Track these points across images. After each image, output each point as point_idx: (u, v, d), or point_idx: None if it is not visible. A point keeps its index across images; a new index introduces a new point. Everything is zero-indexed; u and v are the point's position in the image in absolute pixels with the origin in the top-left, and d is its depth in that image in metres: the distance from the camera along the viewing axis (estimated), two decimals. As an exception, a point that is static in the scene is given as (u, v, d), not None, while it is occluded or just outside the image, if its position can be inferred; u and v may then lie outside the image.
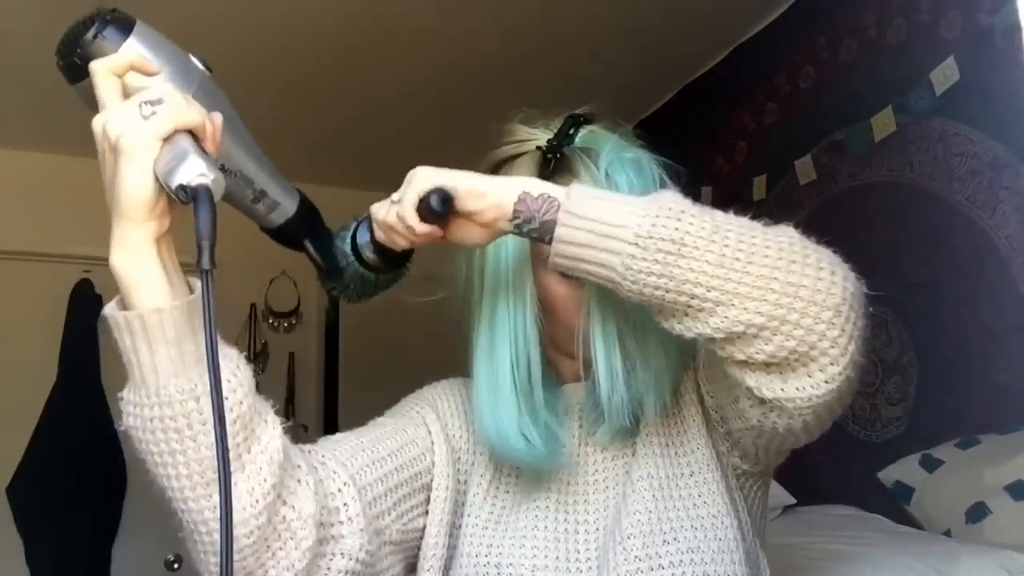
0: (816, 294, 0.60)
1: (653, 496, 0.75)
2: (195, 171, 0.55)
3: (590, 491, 0.79)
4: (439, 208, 0.66)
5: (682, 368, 0.80)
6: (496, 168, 0.82)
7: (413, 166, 0.71)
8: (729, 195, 2.68)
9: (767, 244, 0.62)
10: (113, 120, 0.55)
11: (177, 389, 0.57)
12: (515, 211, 0.66)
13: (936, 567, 1.30)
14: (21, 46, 2.53)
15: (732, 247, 0.61)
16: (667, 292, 0.61)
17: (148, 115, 0.55)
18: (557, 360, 0.84)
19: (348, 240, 0.75)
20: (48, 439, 3.08)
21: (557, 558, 0.76)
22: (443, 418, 0.85)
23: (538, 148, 0.79)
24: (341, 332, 3.57)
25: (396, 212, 0.69)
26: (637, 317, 0.74)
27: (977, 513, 1.54)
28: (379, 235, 0.72)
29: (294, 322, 3.56)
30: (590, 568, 0.75)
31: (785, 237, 0.63)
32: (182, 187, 0.55)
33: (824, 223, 2.32)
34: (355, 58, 2.68)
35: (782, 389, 0.63)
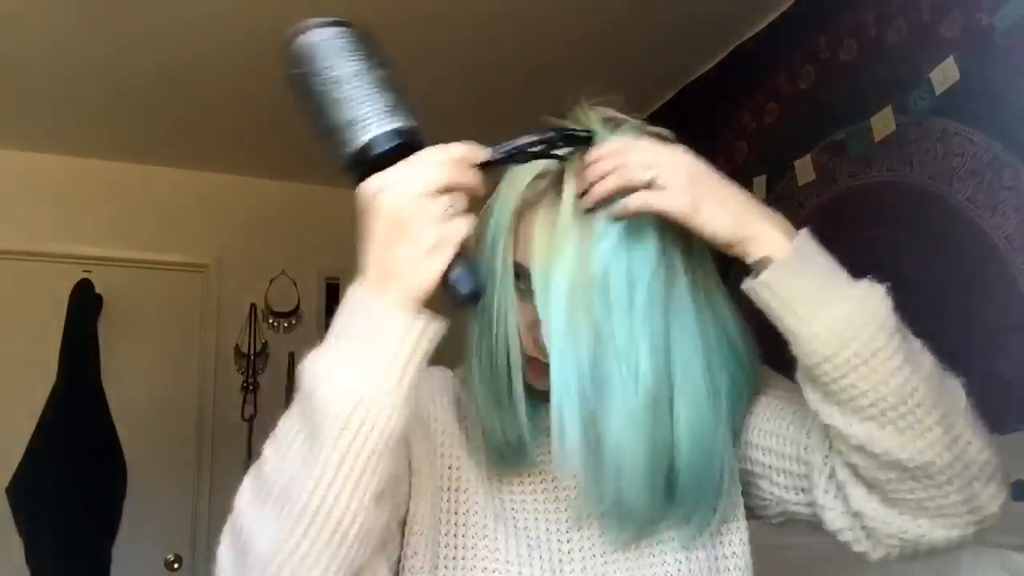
0: (971, 463, 0.62)
1: None
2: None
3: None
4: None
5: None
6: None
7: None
8: (729, 195, 2.68)
9: (942, 398, 0.62)
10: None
11: None
12: None
13: (936, 567, 1.30)
14: (22, 46, 2.53)
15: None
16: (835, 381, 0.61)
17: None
18: None
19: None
20: (48, 439, 3.08)
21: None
22: (427, 427, 0.78)
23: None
24: (341, 332, 3.56)
25: None
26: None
27: (977, 513, 1.54)
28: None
29: (294, 322, 3.56)
30: None
31: (959, 395, 0.65)
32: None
33: (824, 223, 2.31)
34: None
35: (885, 515, 0.63)
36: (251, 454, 3.32)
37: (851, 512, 0.66)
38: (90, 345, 3.24)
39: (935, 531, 0.63)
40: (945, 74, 1.93)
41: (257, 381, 3.43)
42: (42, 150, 3.26)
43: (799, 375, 0.66)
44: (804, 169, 2.39)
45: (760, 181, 2.57)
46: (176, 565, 3.22)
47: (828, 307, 0.61)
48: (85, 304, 3.25)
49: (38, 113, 3.00)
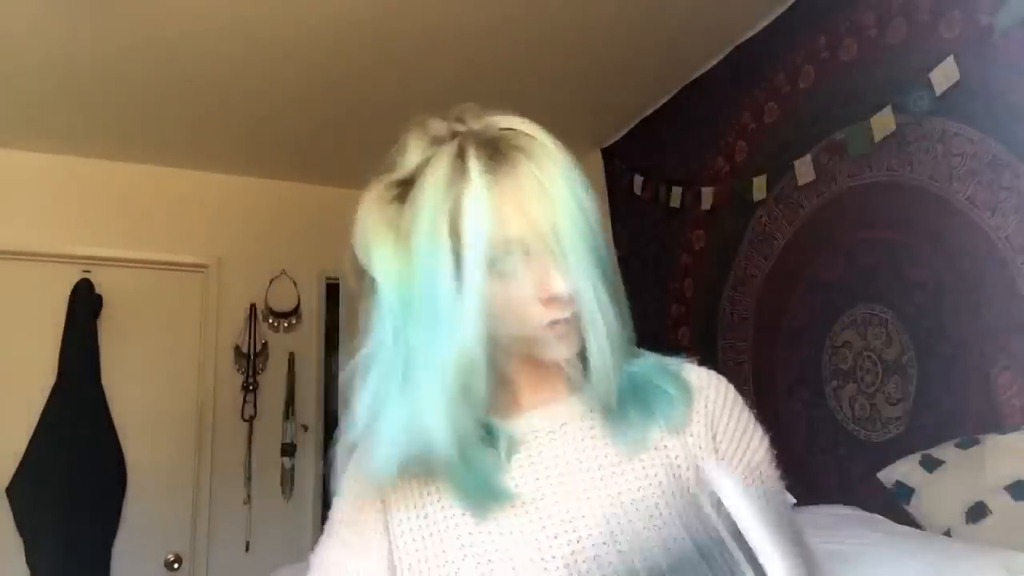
0: None
1: None
2: None
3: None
4: None
5: None
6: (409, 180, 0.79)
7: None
8: (729, 195, 2.68)
9: None
10: None
11: None
12: None
13: (936, 567, 1.30)
14: (21, 46, 2.53)
15: None
16: None
17: None
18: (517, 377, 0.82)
19: None
20: (48, 439, 3.08)
21: None
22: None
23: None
24: (341, 332, 3.57)
25: None
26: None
27: (977, 513, 1.54)
28: None
29: (294, 322, 3.56)
30: None
31: None
32: None
33: (824, 223, 2.32)
34: (358, 61, 2.68)
35: None
36: (251, 454, 3.34)
37: None
38: (90, 345, 3.25)
39: None
40: (945, 74, 1.93)
41: (257, 381, 3.43)
42: (43, 150, 3.27)
43: None
44: (804, 169, 2.39)
45: (760, 181, 2.58)
46: (176, 565, 3.22)
47: None
48: (85, 304, 3.26)
49: (39, 113, 3.00)
